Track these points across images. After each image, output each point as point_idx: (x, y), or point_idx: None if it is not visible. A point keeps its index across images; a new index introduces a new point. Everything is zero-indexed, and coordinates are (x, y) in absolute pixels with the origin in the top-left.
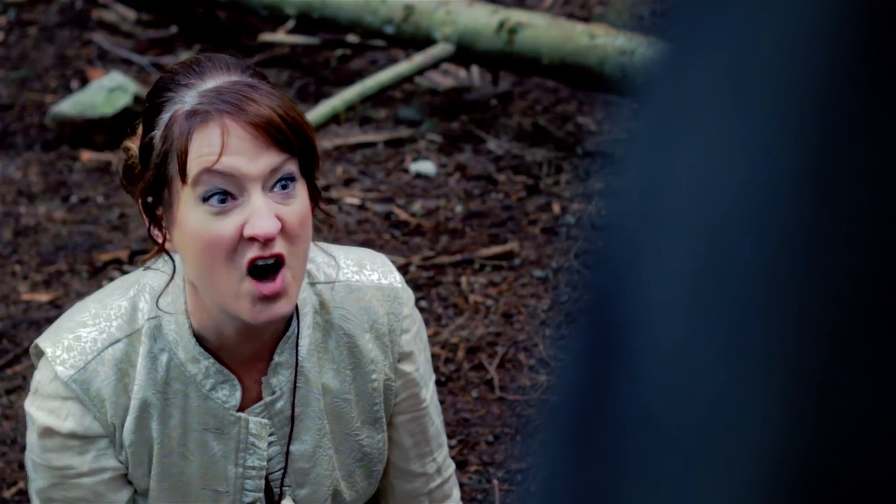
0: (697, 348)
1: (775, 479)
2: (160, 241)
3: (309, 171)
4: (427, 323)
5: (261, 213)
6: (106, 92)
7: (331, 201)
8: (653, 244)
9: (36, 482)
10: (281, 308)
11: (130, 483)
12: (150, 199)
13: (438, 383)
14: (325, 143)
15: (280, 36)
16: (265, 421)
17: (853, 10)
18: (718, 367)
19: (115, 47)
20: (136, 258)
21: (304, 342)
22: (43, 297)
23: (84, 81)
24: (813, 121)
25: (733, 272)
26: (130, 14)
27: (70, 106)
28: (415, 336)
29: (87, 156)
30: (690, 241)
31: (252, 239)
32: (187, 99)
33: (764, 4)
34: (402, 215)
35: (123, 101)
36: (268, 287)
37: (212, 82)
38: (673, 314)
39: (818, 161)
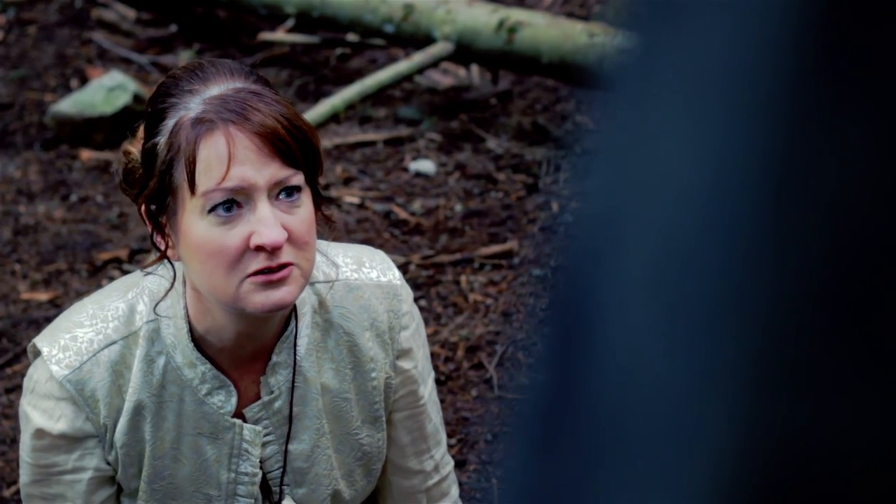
0: (656, 350)
1: (734, 481)
2: (163, 247)
3: (312, 178)
4: (427, 322)
5: (268, 223)
6: (105, 91)
7: (330, 200)
8: (614, 246)
9: (21, 478)
10: (285, 295)
11: (112, 484)
12: (153, 207)
13: (438, 382)
14: (324, 141)
15: (280, 35)
16: (259, 428)
17: (814, 14)
18: (677, 369)
19: (114, 46)
20: (136, 257)
21: (303, 342)
22: (42, 296)
23: (84, 80)
24: (772, 123)
25: (693, 275)
26: (130, 13)
27: (70, 105)
28: (413, 333)
29: (86, 155)
30: (650, 244)
31: (259, 248)
32: (192, 105)
33: (727, 7)
34: (402, 214)
35: (123, 100)
36: (274, 275)
37: (216, 89)
38: (633, 316)
39: (778, 163)
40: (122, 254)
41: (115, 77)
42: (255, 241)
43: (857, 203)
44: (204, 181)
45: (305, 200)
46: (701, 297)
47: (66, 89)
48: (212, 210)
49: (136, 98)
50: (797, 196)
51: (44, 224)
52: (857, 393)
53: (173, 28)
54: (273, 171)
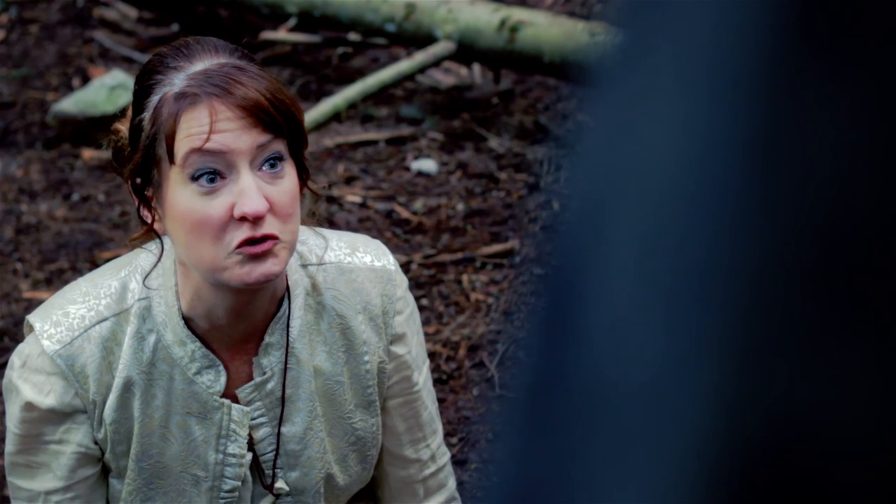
0: (643, 327)
1: (719, 456)
2: (149, 221)
3: (297, 151)
4: (428, 321)
5: (249, 193)
6: (107, 90)
7: (332, 199)
8: (601, 225)
9: (7, 447)
10: (270, 267)
11: (96, 464)
12: (138, 181)
13: (440, 381)
14: (326, 141)
15: (281, 34)
16: (247, 409)
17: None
18: (663, 345)
19: (116, 45)
20: None
21: (296, 323)
22: (44, 294)
23: (85, 79)
24: (757, 97)
25: (680, 251)
26: (132, 12)
27: (71, 104)
28: (408, 318)
29: (88, 154)
30: (638, 222)
31: (242, 218)
32: (176, 81)
33: None
34: (404, 213)
35: (125, 99)
36: (258, 248)
37: (200, 65)
38: (620, 294)
39: (764, 137)
40: (124, 253)
41: (116, 76)
42: (237, 211)
43: (843, 176)
44: (183, 146)
45: (289, 171)
46: (688, 272)
47: (68, 88)
48: (195, 179)
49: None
50: (783, 170)
51: (46, 223)
52: (844, 368)
53: (175, 27)
54: (255, 137)
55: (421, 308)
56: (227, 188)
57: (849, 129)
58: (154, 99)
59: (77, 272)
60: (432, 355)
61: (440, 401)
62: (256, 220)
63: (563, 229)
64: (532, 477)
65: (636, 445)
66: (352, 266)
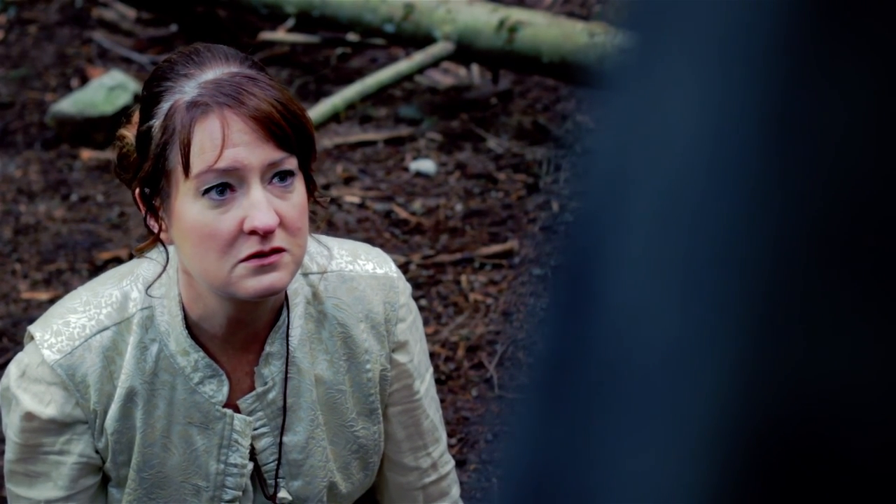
0: (661, 297)
1: (736, 425)
2: (156, 230)
3: (306, 164)
4: (427, 321)
5: (260, 207)
6: (106, 90)
7: (331, 200)
8: (620, 198)
9: (7, 454)
10: (277, 279)
11: (98, 473)
12: (147, 190)
13: (439, 382)
14: (325, 141)
15: (280, 34)
16: (249, 419)
17: None
18: (681, 314)
19: (115, 46)
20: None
21: (296, 332)
22: (43, 295)
23: (84, 80)
24: (772, 71)
25: (697, 222)
26: (130, 12)
27: (70, 104)
28: (410, 326)
29: (87, 154)
30: (655, 194)
31: (252, 232)
32: (187, 89)
33: None
34: (402, 214)
35: (123, 99)
36: (266, 259)
37: (211, 73)
38: (638, 265)
39: (779, 110)
40: (123, 253)
41: (115, 76)
42: (247, 225)
43: (858, 146)
44: (198, 163)
45: (298, 186)
46: (706, 247)
47: (67, 89)
48: (205, 193)
49: (137, 98)
50: (799, 142)
51: (44, 223)
52: (862, 338)
53: (174, 27)
54: (267, 153)
55: (420, 309)
56: (238, 202)
57: (863, 106)
58: (164, 106)
59: (76, 273)
60: (431, 356)
61: (438, 398)
62: (266, 235)
63: (582, 208)
64: (551, 453)
65: (655, 418)
66: (353, 274)
